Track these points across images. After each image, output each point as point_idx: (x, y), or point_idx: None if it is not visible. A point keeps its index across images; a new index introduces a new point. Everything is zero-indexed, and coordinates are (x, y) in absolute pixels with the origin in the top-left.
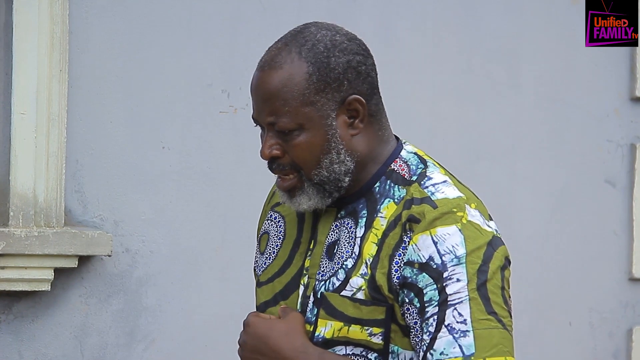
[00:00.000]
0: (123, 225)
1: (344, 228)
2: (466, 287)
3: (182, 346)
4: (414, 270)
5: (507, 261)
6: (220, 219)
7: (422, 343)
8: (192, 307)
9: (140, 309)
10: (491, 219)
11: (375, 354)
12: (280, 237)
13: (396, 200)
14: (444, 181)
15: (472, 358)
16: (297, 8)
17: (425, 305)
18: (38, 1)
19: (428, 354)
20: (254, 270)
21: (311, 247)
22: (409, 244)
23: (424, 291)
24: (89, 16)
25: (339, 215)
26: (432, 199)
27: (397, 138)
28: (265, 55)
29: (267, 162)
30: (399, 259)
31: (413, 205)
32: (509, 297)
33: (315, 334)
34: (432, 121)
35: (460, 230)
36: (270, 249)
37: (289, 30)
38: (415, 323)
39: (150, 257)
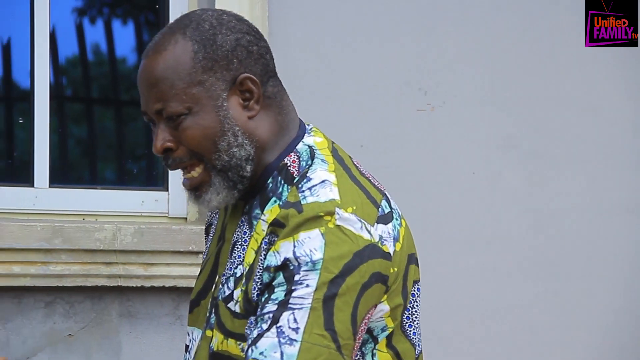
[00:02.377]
0: None
1: (243, 227)
2: (312, 294)
3: None
4: (270, 273)
5: (376, 278)
6: (418, 218)
7: (251, 335)
8: None
9: None
10: (384, 222)
11: None
12: (213, 231)
13: (281, 202)
14: (323, 181)
15: None
16: (492, 4)
17: (269, 301)
18: (239, 4)
19: (250, 349)
20: None
21: (222, 244)
22: (270, 249)
23: (275, 290)
24: (288, 17)
25: (244, 211)
26: (302, 203)
27: (303, 126)
28: (149, 42)
29: (162, 158)
30: (260, 265)
31: (282, 209)
32: (364, 318)
33: (210, 344)
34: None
35: (322, 234)
36: (208, 243)
37: (483, 26)
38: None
39: None
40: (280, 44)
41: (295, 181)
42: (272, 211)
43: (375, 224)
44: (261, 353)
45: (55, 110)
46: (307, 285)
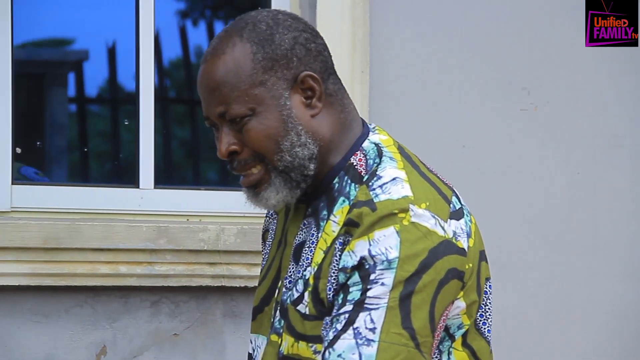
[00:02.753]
0: None
1: (309, 229)
2: (389, 293)
3: None
4: (346, 274)
5: (452, 274)
6: (521, 217)
7: (327, 338)
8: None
9: None
10: (457, 218)
11: None
12: (272, 236)
13: (350, 201)
14: (394, 179)
15: None
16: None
17: (346, 302)
18: (340, 5)
19: (327, 351)
20: None
21: (283, 248)
22: (344, 249)
23: (350, 289)
24: (389, 17)
25: (307, 213)
26: (375, 201)
27: (366, 124)
28: (207, 48)
29: (228, 163)
30: (335, 265)
31: (354, 209)
32: (442, 315)
33: (279, 349)
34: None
35: (397, 232)
36: (267, 249)
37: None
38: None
39: None
40: (381, 45)
41: (364, 180)
42: (342, 211)
43: (449, 219)
44: (339, 355)
45: (159, 112)
46: (383, 284)
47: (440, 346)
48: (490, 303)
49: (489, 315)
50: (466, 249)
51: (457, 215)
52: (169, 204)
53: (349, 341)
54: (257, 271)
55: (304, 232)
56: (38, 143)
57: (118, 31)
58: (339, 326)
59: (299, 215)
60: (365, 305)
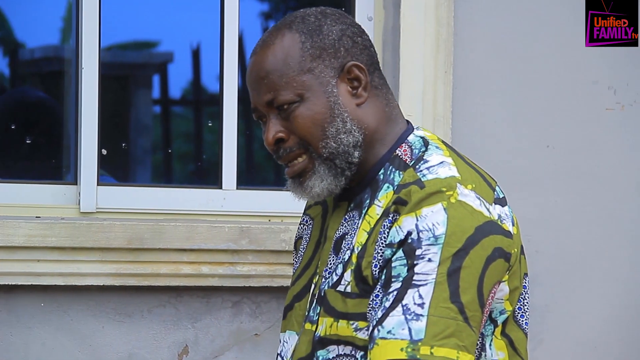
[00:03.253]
0: None
1: (352, 221)
2: (436, 269)
3: (571, 347)
4: (393, 249)
5: (499, 253)
6: (608, 219)
7: (375, 317)
8: (579, 307)
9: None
10: (501, 204)
11: (362, 353)
12: (307, 240)
13: (394, 187)
14: (441, 162)
15: (420, 344)
16: None
17: (392, 279)
18: (424, 5)
19: (376, 329)
20: None
21: (322, 245)
22: (392, 226)
23: (393, 264)
24: (473, 17)
25: (349, 208)
26: (422, 180)
27: (408, 123)
28: (257, 42)
29: (273, 151)
30: (381, 242)
31: (403, 189)
32: (490, 292)
33: (315, 333)
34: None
35: (445, 208)
36: (300, 253)
37: None
38: (377, 296)
39: (536, 257)
40: (465, 45)
41: (410, 165)
42: (386, 196)
43: (493, 204)
44: (389, 332)
45: (242, 114)
46: (430, 260)
47: (484, 330)
48: (528, 297)
49: (527, 309)
50: (512, 233)
51: (501, 202)
52: (251, 204)
53: (398, 317)
54: None
55: (346, 226)
56: (123, 144)
57: (203, 33)
58: (388, 304)
59: (341, 212)
60: (414, 282)
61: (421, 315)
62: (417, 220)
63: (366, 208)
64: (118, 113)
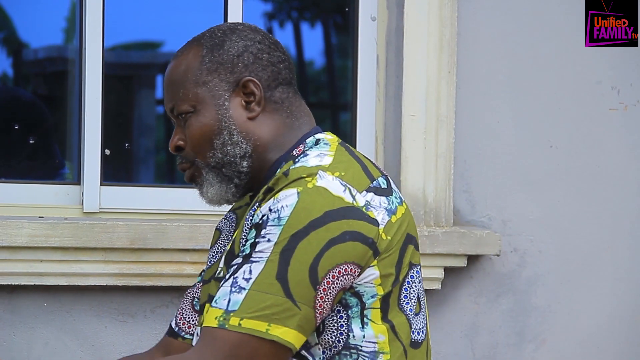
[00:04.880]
0: (511, 225)
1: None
2: (272, 248)
3: (573, 347)
4: (253, 230)
5: (351, 236)
6: (610, 218)
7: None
8: (582, 307)
9: (530, 309)
10: (377, 194)
11: None
12: (229, 238)
13: None
14: (318, 155)
15: (232, 314)
16: None
17: (238, 255)
18: (428, 5)
19: (214, 298)
20: (202, 274)
21: (232, 245)
22: (257, 210)
23: (246, 243)
24: (477, 17)
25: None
26: (290, 168)
27: (319, 129)
28: None
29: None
30: (247, 225)
31: (273, 178)
32: (329, 272)
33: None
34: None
35: (298, 192)
36: (218, 248)
37: None
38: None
39: (539, 257)
40: (469, 44)
41: (294, 157)
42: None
43: (365, 191)
44: (215, 301)
45: None
46: (269, 240)
47: (349, 311)
48: (415, 287)
49: (412, 297)
50: (379, 220)
51: (379, 191)
52: None
53: (225, 289)
54: None
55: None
56: (126, 145)
57: None
58: (227, 275)
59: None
60: (250, 259)
61: (243, 288)
62: (272, 202)
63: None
64: (121, 113)
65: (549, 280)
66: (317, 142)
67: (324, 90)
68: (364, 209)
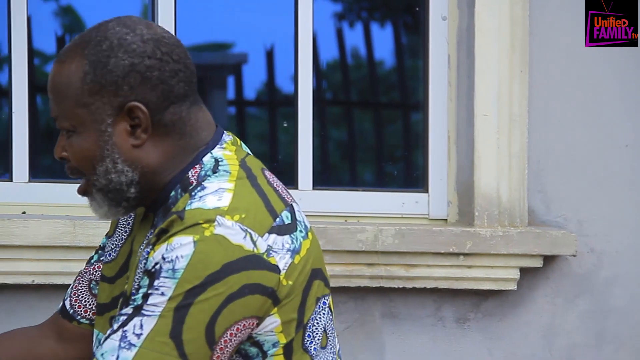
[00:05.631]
0: (587, 225)
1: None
2: (165, 303)
3: None
4: (145, 277)
5: (251, 289)
6: None
7: (103, 337)
8: None
9: (608, 310)
10: (280, 233)
11: None
12: (127, 231)
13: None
14: (217, 190)
15: None
16: None
17: (130, 303)
18: (499, 5)
19: (98, 350)
20: (101, 248)
21: (129, 256)
22: (150, 254)
23: (139, 292)
24: (548, 16)
25: (153, 223)
26: (186, 209)
27: (219, 139)
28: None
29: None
30: (140, 269)
31: (168, 219)
32: (227, 329)
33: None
34: None
35: (195, 242)
36: (116, 240)
37: None
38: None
39: (616, 257)
40: (541, 43)
41: (190, 188)
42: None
43: (267, 234)
44: (102, 355)
45: (317, 114)
46: (162, 294)
47: None
48: (321, 322)
49: (318, 333)
50: (281, 266)
51: (281, 230)
52: (327, 205)
53: (114, 342)
54: (415, 272)
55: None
56: None
57: (277, 34)
58: (116, 326)
59: (148, 223)
60: (142, 311)
61: (134, 345)
62: (165, 250)
63: (151, 233)
64: None
65: (627, 280)
66: (215, 165)
67: (394, 90)
68: (264, 256)
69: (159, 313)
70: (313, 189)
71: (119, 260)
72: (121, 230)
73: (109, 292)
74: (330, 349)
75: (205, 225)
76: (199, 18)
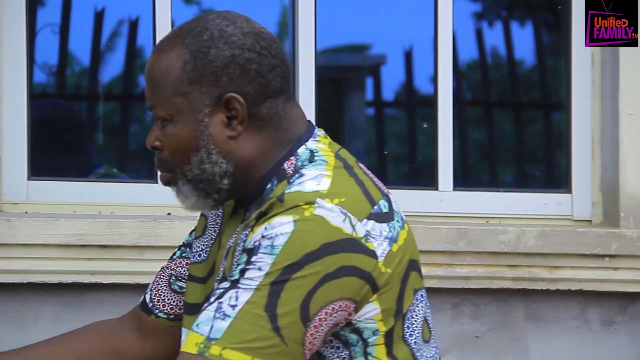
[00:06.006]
0: None
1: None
2: (262, 277)
3: None
4: (244, 255)
5: (348, 271)
6: None
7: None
8: None
9: None
10: (379, 221)
11: None
12: (216, 231)
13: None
14: (316, 176)
15: (213, 342)
16: None
17: (227, 279)
18: None
19: (195, 321)
20: (185, 245)
21: (217, 250)
22: (249, 235)
23: (236, 268)
24: None
25: (244, 218)
26: (285, 192)
27: (312, 132)
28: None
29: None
30: (239, 250)
31: (267, 202)
32: (322, 308)
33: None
34: None
35: (295, 221)
36: (206, 241)
37: None
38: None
39: None
40: None
41: (287, 177)
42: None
43: (366, 219)
44: (197, 325)
45: (456, 115)
46: (260, 269)
47: (351, 349)
48: (419, 314)
49: (417, 325)
50: (378, 252)
51: (381, 217)
52: (468, 206)
53: (209, 313)
54: (559, 274)
55: (236, 237)
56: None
57: (415, 35)
58: (212, 299)
59: (237, 219)
60: (238, 285)
61: (228, 316)
62: (265, 229)
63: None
64: (333, 115)
65: None
66: (311, 156)
67: (535, 90)
68: (363, 240)
69: (255, 286)
70: (453, 190)
71: (210, 260)
72: (210, 230)
73: (201, 292)
74: (433, 343)
75: (305, 207)
76: (338, 20)
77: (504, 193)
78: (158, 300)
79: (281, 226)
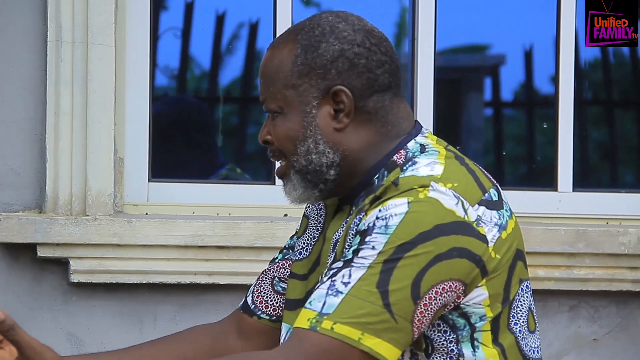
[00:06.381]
0: None
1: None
2: (375, 256)
3: None
4: (357, 237)
5: (459, 253)
6: None
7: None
8: None
9: None
10: (489, 207)
11: None
12: (318, 229)
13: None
14: (429, 163)
15: (325, 317)
16: None
17: (340, 259)
18: None
19: (308, 299)
20: (287, 248)
21: (322, 245)
22: (363, 218)
23: (350, 249)
24: None
25: (350, 212)
26: (400, 177)
27: (420, 129)
28: None
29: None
30: (352, 233)
31: (381, 187)
32: (433, 287)
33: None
34: None
35: (409, 202)
36: (308, 239)
37: None
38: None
39: None
40: None
41: (400, 164)
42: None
43: (477, 205)
44: (310, 302)
45: (577, 114)
46: (373, 248)
47: (458, 334)
48: (525, 304)
49: (522, 315)
50: (488, 237)
51: (491, 205)
52: (588, 207)
53: (322, 290)
54: None
55: (344, 227)
56: (457, 148)
57: (536, 34)
58: (325, 278)
59: (344, 215)
60: (352, 264)
61: (340, 292)
62: (379, 210)
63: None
64: (451, 116)
65: None
66: (422, 148)
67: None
68: (474, 225)
69: (368, 264)
70: (573, 190)
71: (312, 257)
72: (312, 229)
73: (302, 288)
74: (538, 334)
75: (420, 189)
76: (458, 20)
77: (624, 194)
78: (261, 302)
79: (395, 207)
